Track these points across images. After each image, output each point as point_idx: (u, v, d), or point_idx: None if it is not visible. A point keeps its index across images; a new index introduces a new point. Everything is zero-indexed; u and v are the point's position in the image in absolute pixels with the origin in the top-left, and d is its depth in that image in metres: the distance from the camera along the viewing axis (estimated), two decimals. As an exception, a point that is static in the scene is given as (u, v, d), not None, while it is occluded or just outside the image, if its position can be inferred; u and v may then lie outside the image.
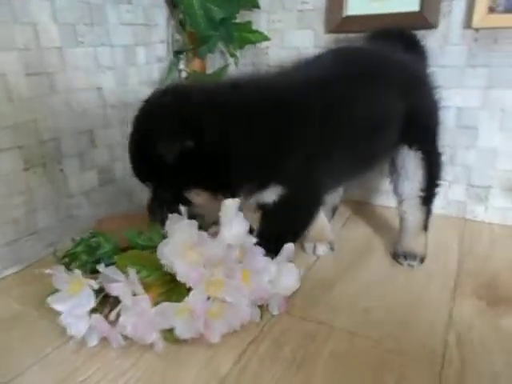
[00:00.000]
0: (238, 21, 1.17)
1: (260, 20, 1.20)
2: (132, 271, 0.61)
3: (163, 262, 0.63)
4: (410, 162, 0.87)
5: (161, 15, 1.19)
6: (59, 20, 0.92)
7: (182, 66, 1.19)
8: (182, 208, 0.71)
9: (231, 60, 1.24)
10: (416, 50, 0.93)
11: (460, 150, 1.06)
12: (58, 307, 0.62)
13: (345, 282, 0.83)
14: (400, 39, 0.91)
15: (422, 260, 0.89)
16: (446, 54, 1.00)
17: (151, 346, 0.63)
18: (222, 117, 0.64)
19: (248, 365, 0.62)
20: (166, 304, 0.61)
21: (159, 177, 0.68)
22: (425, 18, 0.99)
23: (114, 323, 0.63)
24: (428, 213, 0.92)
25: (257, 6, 1.16)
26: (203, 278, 0.62)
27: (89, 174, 1.05)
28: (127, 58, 1.11)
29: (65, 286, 0.64)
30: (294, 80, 0.75)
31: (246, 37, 1.20)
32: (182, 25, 1.19)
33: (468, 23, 0.96)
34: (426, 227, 0.93)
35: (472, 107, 1.02)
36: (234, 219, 0.66)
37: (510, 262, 0.90)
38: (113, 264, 0.66)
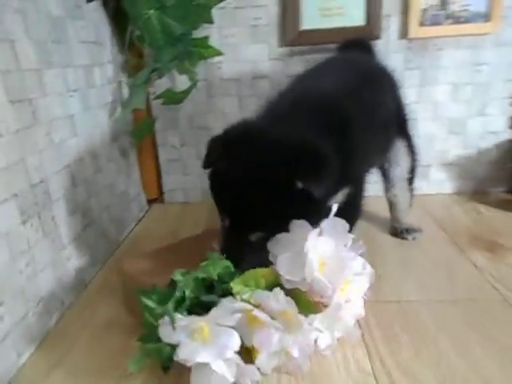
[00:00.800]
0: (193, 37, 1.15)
1: (212, 35, 1.19)
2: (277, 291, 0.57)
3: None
4: (400, 150, 1.01)
5: (107, 33, 1.08)
6: (33, 37, 0.75)
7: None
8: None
9: (179, 77, 1.20)
10: (374, 55, 1.09)
11: (405, 139, 1.27)
12: (200, 359, 0.53)
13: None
14: (362, 47, 1.06)
15: (420, 231, 1.05)
16: (388, 60, 1.19)
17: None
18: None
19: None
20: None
21: (283, 220, 0.62)
22: (370, 31, 1.16)
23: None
24: (413, 191, 1.08)
25: (211, 22, 1.15)
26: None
27: (74, 218, 0.88)
28: (88, 80, 0.97)
29: (185, 334, 0.56)
30: (330, 94, 0.78)
31: (200, 52, 1.18)
32: (131, 43, 1.09)
33: (403, 35, 1.17)
34: (411, 205, 1.09)
35: (411, 102, 1.23)
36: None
37: (470, 218, 1.14)
38: (223, 294, 0.60)
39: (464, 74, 1.20)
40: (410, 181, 1.06)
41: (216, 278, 0.63)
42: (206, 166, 0.67)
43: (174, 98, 1.08)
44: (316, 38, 1.17)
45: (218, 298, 0.61)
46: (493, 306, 0.77)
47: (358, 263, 0.70)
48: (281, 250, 0.66)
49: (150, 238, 1.13)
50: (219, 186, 0.66)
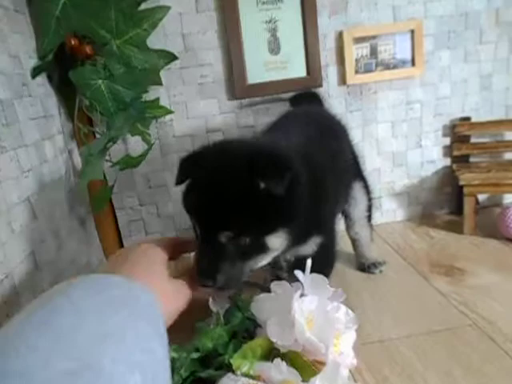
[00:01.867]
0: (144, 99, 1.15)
1: (161, 95, 1.21)
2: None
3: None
4: (358, 192, 1.08)
5: (54, 105, 1.05)
6: (-15, 126, 0.72)
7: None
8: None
9: (132, 138, 1.20)
10: (324, 106, 1.17)
11: (356, 175, 1.35)
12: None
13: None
14: (313, 99, 1.13)
15: (385, 263, 1.11)
16: (332, 105, 1.28)
17: None
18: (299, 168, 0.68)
19: None
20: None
21: (249, 219, 0.62)
22: (312, 81, 1.24)
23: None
24: (372, 226, 1.15)
25: (160, 84, 1.17)
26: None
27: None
28: (40, 156, 0.93)
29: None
30: (301, 141, 0.81)
31: (152, 113, 1.19)
32: (80, 111, 1.07)
33: (342, 82, 1.26)
34: (372, 239, 1.15)
35: (357, 141, 1.32)
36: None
37: (425, 244, 1.23)
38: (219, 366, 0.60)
39: (399, 112, 1.32)
40: (369, 218, 1.12)
41: (212, 351, 0.62)
42: (177, 182, 0.68)
43: (131, 163, 1.07)
44: (263, 90, 1.23)
45: (215, 372, 0.60)
46: (465, 331, 0.83)
47: (342, 312, 0.73)
48: (266, 314, 0.67)
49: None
50: (190, 198, 0.66)
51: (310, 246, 0.80)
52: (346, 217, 1.11)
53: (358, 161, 1.09)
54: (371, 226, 1.14)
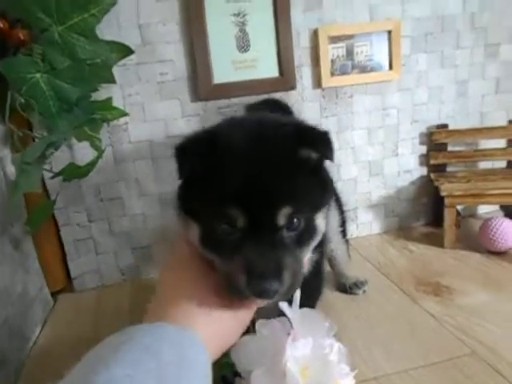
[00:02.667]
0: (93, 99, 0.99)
1: (114, 95, 1.05)
2: None
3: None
4: (331, 208, 0.97)
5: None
6: None
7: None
8: None
9: (78, 144, 1.03)
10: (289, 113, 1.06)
11: (331, 186, 1.26)
12: None
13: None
14: (276, 107, 1.02)
15: (366, 282, 1.01)
16: (305, 109, 1.17)
17: None
18: None
19: None
20: None
21: (303, 195, 0.50)
22: (285, 82, 1.13)
23: None
24: (347, 242, 1.05)
25: (113, 82, 1.01)
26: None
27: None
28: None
29: None
30: None
31: (103, 115, 1.02)
32: (14, 111, 0.89)
33: (317, 85, 1.16)
34: (349, 255, 1.05)
35: (332, 149, 1.23)
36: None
37: (406, 259, 1.15)
38: None
39: (375, 118, 1.24)
40: (344, 233, 1.02)
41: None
42: (184, 174, 0.52)
43: (77, 173, 0.91)
44: (231, 91, 1.11)
45: None
46: (466, 361, 0.74)
47: (336, 350, 0.61)
48: (249, 362, 0.54)
49: (60, 350, 0.90)
50: (220, 183, 0.49)
51: (309, 263, 0.67)
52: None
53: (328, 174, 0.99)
54: (347, 241, 1.04)
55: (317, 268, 0.70)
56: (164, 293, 0.49)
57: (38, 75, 0.85)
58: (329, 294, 1.00)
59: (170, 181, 1.14)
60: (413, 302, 0.94)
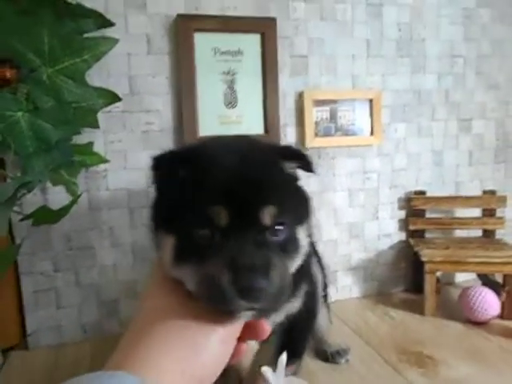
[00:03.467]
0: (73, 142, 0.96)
1: (96, 140, 1.03)
2: None
3: None
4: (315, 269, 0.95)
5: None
6: None
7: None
8: None
9: (53, 188, 0.99)
10: None
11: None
12: None
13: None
14: None
15: (349, 349, 0.96)
16: (288, 168, 1.18)
17: None
18: None
19: None
20: None
21: (286, 196, 0.50)
22: (269, 140, 1.14)
23: None
24: (329, 306, 1.01)
25: (97, 127, 0.99)
26: None
27: None
28: None
29: None
30: None
31: (82, 160, 0.99)
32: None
33: (301, 144, 1.18)
34: (331, 321, 1.01)
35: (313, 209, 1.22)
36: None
37: (387, 326, 1.10)
38: None
39: (356, 180, 1.25)
40: (325, 297, 0.99)
41: None
42: (156, 180, 0.52)
43: (48, 218, 0.85)
44: (216, 145, 1.11)
45: None
46: None
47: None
48: None
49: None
50: (202, 184, 0.46)
51: (297, 303, 0.67)
52: None
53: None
54: (328, 305, 1.00)
55: (309, 306, 0.69)
56: (132, 331, 0.42)
57: (19, 114, 0.83)
58: (308, 362, 0.94)
59: (145, 232, 1.09)
60: (397, 374, 0.89)
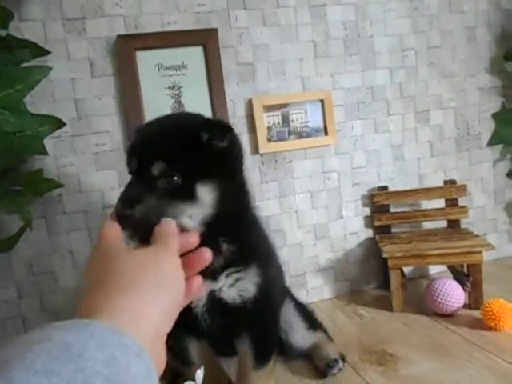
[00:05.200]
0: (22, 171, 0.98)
1: (47, 166, 1.04)
2: None
3: None
4: (292, 314, 0.95)
5: None
6: None
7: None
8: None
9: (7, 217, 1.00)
10: None
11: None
12: None
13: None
14: None
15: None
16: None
17: None
18: None
19: None
20: None
21: (185, 159, 0.62)
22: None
23: None
24: (323, 330, 0.99)
25: (45, 153, 1.01)
26: None
27: None
28: None
29: None
30: None
31: (34, 187, 1.01)
32: None
33: (255, 150, 1.19)
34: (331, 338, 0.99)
35: (275, 214, 1.22)
36: None
37: (356, 325, 1.10)
38: None
39: (316, 181, 1.25)
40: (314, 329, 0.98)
41: None
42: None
43: (1, 247, 0.87)
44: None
45: None
46: None
47: None
48: None
49: None
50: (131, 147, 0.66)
51: (250, 282, 0.71)
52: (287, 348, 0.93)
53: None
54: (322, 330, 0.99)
55: (263, 292, 0.71)
56: (91, 285, 0.42)
57: (-43, 148, 0.85)
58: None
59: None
60: (355, 374, 0.89)
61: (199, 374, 0.54)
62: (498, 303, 0.98)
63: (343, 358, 0.91)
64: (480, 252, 1.06)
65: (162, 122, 0.68)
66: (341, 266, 1.30)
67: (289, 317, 0.93)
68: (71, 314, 1.09)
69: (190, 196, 0.61)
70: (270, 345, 0.81)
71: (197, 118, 0.69)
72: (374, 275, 1.32)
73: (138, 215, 0.56)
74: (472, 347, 0.94)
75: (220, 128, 0.66)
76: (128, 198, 0.57)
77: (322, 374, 0.90)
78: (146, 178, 0.60)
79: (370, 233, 1.31)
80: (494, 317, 0.97)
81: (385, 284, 1.29)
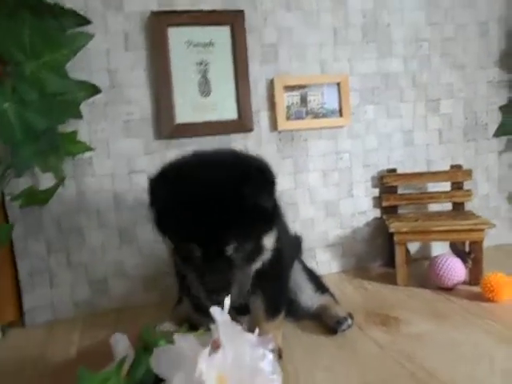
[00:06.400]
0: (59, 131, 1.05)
1: (81, 130, 1.12)
2: None
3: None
4: (299, 275, 1.04)
5: None
6: None
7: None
8: None
9: (42, 175, 1.07)
10: None
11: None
12: None
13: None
14: None
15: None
16: (262, 150, 1.25)
17: None
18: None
19: None
20: None
21: (246, 225, 0.68)
22: (243, 124, 1.22)
23: None
24: (331, 295, 1.07)
25: (79, 117, 1.08)
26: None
27: None
28: None
29: None
30: None
31: (68, 148, 1.08)
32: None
33: (273, 127, 1.26)
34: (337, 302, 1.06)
35: (289, 188, 1.29)
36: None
37: (361, 296, 1.17)
38: None
39: (329, 161, 1.32)
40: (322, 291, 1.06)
41: None
42: (154, 203, 0.71)
43: (35, 199, 0.94)
44: (192, 130, 1.19)
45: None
46: (402, 382, 0.75)
47: (268, 361, 0.62)
48: (167, 369, 0.55)
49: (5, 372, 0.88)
50: (180, 219, 0.67)
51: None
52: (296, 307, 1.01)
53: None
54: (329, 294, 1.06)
55: (276, 257, 0.79)
56: None
57: (6, 105, 0.92)
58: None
59: (130, 215, 1.18)
60: (361, 332, 0.95)
61: (226, 301, 0.61)
62: (496, 276, 1.04)
63: (351, 317, 0.97)
64: (482, 230, 1.13)
65: (203, 187, 0.66)
66: (349, 243, 1.36)
67: (298, 279, 1.01)
68: (96, 269, 1.17)
69: (258, 252, 0.73)
70: (280, 300, 0.90)
71: (231, 171, 0.70)
72: (379, 254, 1.39)
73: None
74: (470, 314, 1.00)
75: (265, 187, 0.71)
76: (220, 285, 0.68)
77: (332, 330, 0.95)
78: (219, 257, 0.67)
79: (377, 213, 1.38)
80: (492, 288, 1.03)
81: (390, 262, 1.35)
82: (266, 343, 0.63)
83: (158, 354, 0.56)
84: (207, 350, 0.54)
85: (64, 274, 1.16)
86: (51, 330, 1.11)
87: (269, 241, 0.74)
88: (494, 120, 1.44)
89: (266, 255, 0.76)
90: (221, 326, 0.58)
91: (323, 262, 1.35)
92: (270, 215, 0.73)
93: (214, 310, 0.59)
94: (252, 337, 0.61)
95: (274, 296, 0.87)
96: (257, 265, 0.75)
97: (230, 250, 0.66)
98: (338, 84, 1.28)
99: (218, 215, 0.64)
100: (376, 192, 1.37)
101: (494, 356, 0.81)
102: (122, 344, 0.63)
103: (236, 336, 0.58)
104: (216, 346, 0.57)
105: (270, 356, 0.63)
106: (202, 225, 0.64)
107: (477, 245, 1.14)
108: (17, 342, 1.06)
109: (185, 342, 0.57)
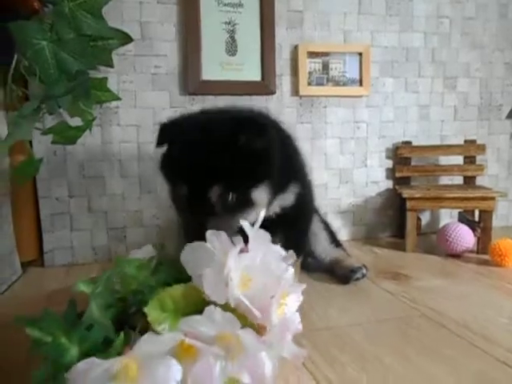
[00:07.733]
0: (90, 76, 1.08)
1: (110, 80, 1.14)
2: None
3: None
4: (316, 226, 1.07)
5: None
6: None
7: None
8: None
9: (68, 119, 1.10)
10: None
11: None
12: None
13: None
14: None
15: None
16: (283, 113, 1.28)
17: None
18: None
19: None
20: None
21: (234, 173, 0.68)
22: (266, 87, 1.25)
23: None
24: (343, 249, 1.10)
25: (110, 66, 1.11)
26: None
27: None
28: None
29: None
30: None
31: (96, 95, 1.11)
32: (17, 72, 0.97)
33: (295, 92, 1.29)
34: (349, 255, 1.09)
35: (305, 153, 1.32)
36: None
37: (370, 258, 1.20)
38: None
39: (347, 129, 1.36)
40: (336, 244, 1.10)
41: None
42: (159, 143, 0.74)
43: (67, 135, 0.97)
44: (217, 88, 1.22)
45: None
46: (415, 320, 0.78)
47: (290, 274, 0.65)
48: (198, 265, 0.58)
49: (23, 304, 0.91)
50: (177, 159, 0.70)
51: (289, 196, 0.82)
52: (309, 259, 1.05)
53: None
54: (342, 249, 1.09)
55: (301, 201, 0.83)
56: None
57: (44, 42, 0.95)
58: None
59: (152, 166, 1.21)
60: (374, 284, 0.99)
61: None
62: (505, 241, 1.07)
63: (366, 267, 1.00)
64: (493, 198, 1.16)
65: (200, 134, 0.69)
66: (360, 211, 1.40)
67: (315, 229, 1.04)
68: (115, 217, 1.20)
69: (246, 204, 0.70)
70: (301, 241, 0.94)
71: (232, 119, 0.71)
72: (389, 224, 1.42)
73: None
74: (479, 274, 1.04)
75: (256, 128, 0.69)
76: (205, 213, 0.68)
77: (344, 280, 0.98)
78: (204, 200, 0.68)
79: (390, 184, 1.41)
80: (500, 252, 1.07)
81: (399, 233, 1.38)
82: (288, 259, 0.66)
83: (188, 251, 0.58)
84: (238, 248, 0.56)
85: (84, 219, 1.19)
86: (68, 271, 1.14)
87: (259, 195, 0.71)
88: (509, 102, 1.47)
89: (253, 210, 0.71)
90: (251, 232, 0.60)
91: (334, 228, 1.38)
92: (262, 169, 0.71)
93: (244, 224, 0.62)
94: (279, 249, 0.63)
95: (295, 237, 0.89)
96: (245, 217, 0.68)
97: (213, 194, 0.67)
98: (360, 54, 1.31)
99: (208, 159, 0.66)
100: (390, 163, 1.41)
101: (503, 305, 0.85)
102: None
103: (265, 244, 0.61)
104: (244, 251, 0.59)
105: (292, 271, 0.66)
106: (191, 165, 0.67)
107: (487, 214, 1.18)
108: (36, 280, 1.10)
109: (216, 239, 0.59)
